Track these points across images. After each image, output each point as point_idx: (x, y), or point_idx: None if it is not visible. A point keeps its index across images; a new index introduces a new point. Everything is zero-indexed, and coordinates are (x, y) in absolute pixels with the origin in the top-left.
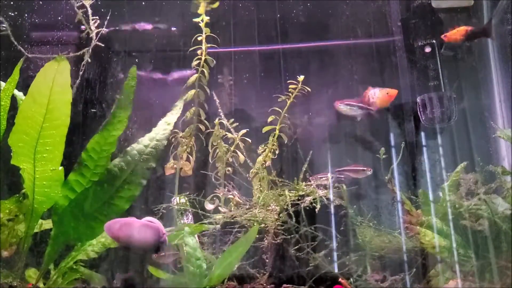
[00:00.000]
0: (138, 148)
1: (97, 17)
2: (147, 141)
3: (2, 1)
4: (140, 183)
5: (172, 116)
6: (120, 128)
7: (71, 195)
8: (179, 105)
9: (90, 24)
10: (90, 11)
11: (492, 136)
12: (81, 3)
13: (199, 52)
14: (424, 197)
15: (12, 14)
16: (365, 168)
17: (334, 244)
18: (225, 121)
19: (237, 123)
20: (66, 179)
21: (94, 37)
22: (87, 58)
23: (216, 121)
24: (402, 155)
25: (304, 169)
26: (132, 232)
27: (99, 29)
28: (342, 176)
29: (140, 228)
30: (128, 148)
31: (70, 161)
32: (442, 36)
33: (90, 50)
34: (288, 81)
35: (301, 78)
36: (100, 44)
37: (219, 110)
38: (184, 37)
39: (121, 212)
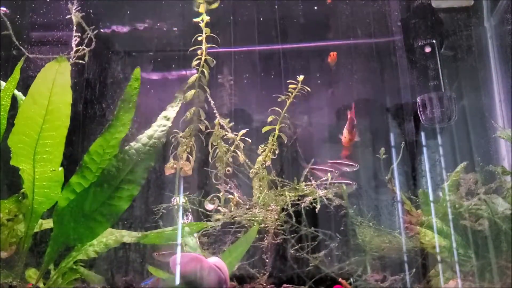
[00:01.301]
0: (136, 147)
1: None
2: (145, 140)
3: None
4: (139, 182)
5: (172, 110)
6: (123, 130)
7: (72, 197)
8: (179, 97)
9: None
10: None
11: (492, 136)
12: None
13: (199, 52)
14: (424, 197)
15: (12, 14)
16: (352, 164)
17: (334, 245)
18: (221, 121)
19: (237, 123)
20: (68, 181)
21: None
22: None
23: (216, 121)
24: (402, 155)
25: (306, 170)
26: (200, 270)
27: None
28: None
29: (208, 269)
30: (126, 147)
31: (70, 162)
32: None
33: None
34: (288, 81)
35: (300, 78)
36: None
37: (215, 111)
38: (184, 37)
39: (120, 212)
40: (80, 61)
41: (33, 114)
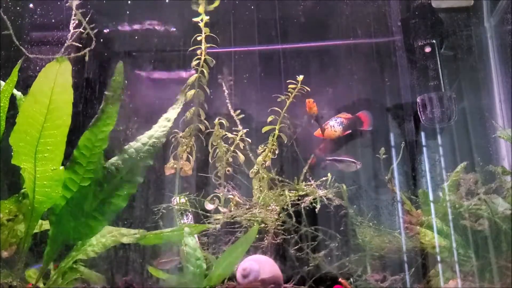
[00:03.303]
0: (136, 147)
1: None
2: (145, 139)
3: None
4: (137, 181)
5: (173, 112)
6: (111, 123)
7: (66, 193)
8: (181, 99)
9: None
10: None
11: (492, 136)
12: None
13: (198, 52)
14: (424, 197)
15: (12, 14)
16: (355, 161)
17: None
18: (232, 112)
19: (237, 123)
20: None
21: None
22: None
23: (216, 121)
24: (402, 155)
25: (305, 171)
26: None
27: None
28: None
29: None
30: (126, 146)
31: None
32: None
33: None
34: (287, 81)
35: (300, 78)
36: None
37: (227, 101)
38: (184, 37)
39: (119, 210)
40: (77, 55)
41: (34, 112)
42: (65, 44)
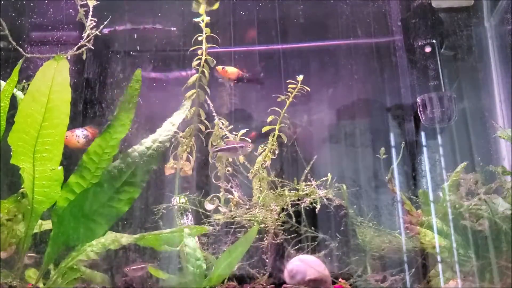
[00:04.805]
0: (140, 150)
1: (95, 19)
2: (149, 143)
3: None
4: (140, 185)
5: (178, 116)
6: (123, 131)
7: (71, 197)
8: (186, 105)
9: (87, 24)
10: (90, 12)
11: (492, 136)
12: (84, 2)
13: (199, 52)
14: (424, 197)
15: (12, 14)
16: (242, 144)
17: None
18: (221, 123)
19: (237, 123)
20: (67, 181)
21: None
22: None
23: (216, 121)
24: (402, 155)
25: (306, 171)
26: None
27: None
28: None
29: None
30: (130, 150)
31: (70, 161)
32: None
33: (88, 50)
34: (287, 81)
35: (300, 77)
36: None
37: (214, 114)
38: (184, 37)
39: (120, 214)
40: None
41: (32, 112)
42: (79, 43)
